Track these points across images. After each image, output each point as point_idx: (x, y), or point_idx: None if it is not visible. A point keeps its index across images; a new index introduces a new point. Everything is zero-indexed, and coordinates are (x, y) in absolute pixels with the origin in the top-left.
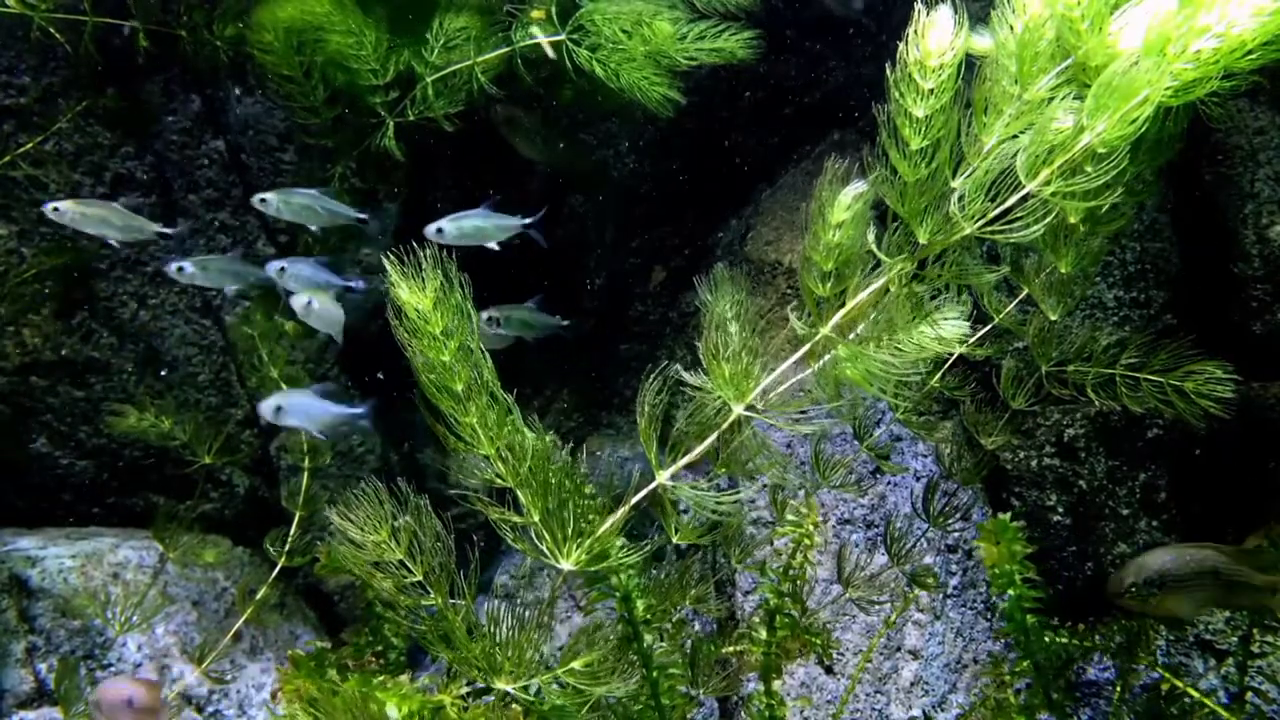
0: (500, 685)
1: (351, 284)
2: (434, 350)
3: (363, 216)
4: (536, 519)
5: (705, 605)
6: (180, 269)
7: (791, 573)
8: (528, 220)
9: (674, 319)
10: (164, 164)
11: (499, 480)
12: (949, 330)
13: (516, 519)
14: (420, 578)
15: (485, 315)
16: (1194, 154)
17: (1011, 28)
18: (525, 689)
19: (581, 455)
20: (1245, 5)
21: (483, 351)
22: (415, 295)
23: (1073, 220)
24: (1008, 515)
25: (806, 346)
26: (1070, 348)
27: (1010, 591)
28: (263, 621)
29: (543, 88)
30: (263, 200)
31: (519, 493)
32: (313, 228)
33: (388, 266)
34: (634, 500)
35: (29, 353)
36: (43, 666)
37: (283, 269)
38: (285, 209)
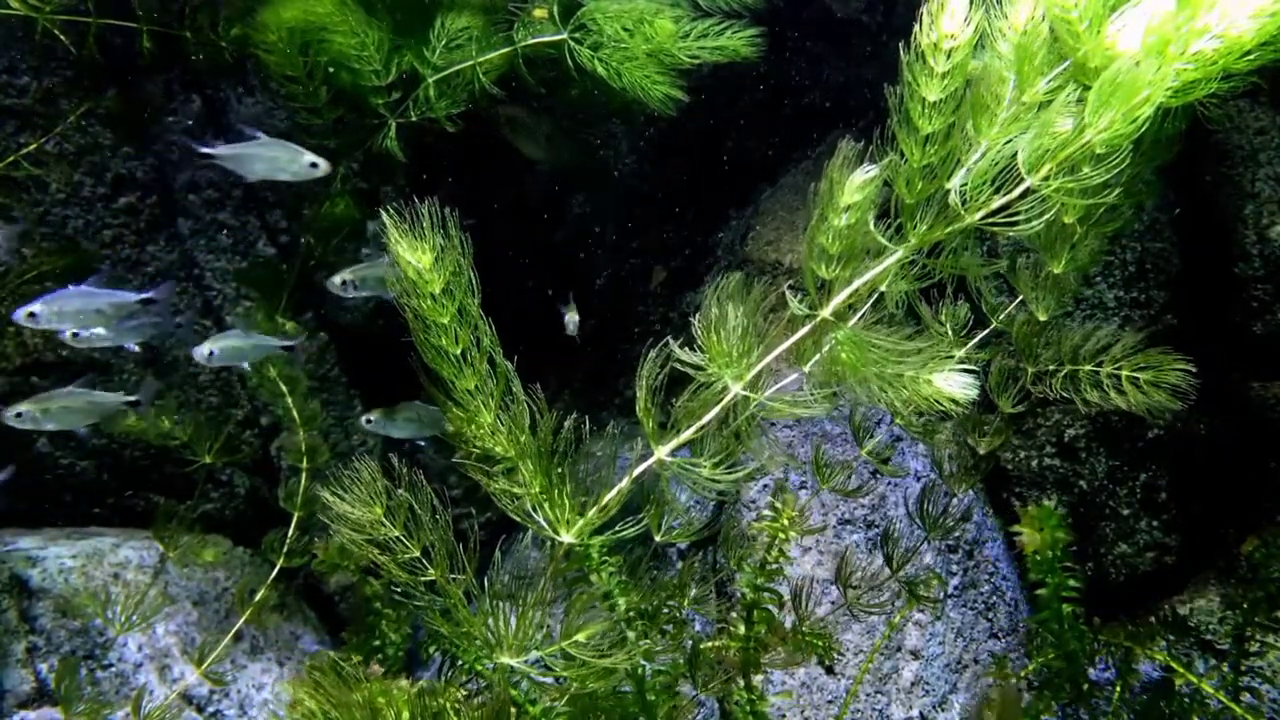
0: (504, 660)
1: (149, 295)
2: (433, 312)
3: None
4: (536, 490)
5: (704, 607)
6: (75, 334)
7: (769, 567)
8: (146, 294)
9: (674, 319)
10: (165, 164)
11: (498, 451)
12: (958, 390)
13: (518, 490)
14: (417, 553)
15: (338, 279)
16: (1194, 154)
17: (1003, 34)
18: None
19: (585, 425)
20: (1244, 6)
21: (484, 317)
22: (415, 253)
23: (1068, 220)
24: (1051, 503)
25: (808, 328)
26: (1052, 348)
27: (1049, 579)
28: (263, 622)
29: (545, 88)
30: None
31: (519, 465)
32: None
33: (387, 223)
34: (636, 472)
35: (30, 353)
36: (43, 666)
37: (33, 314)
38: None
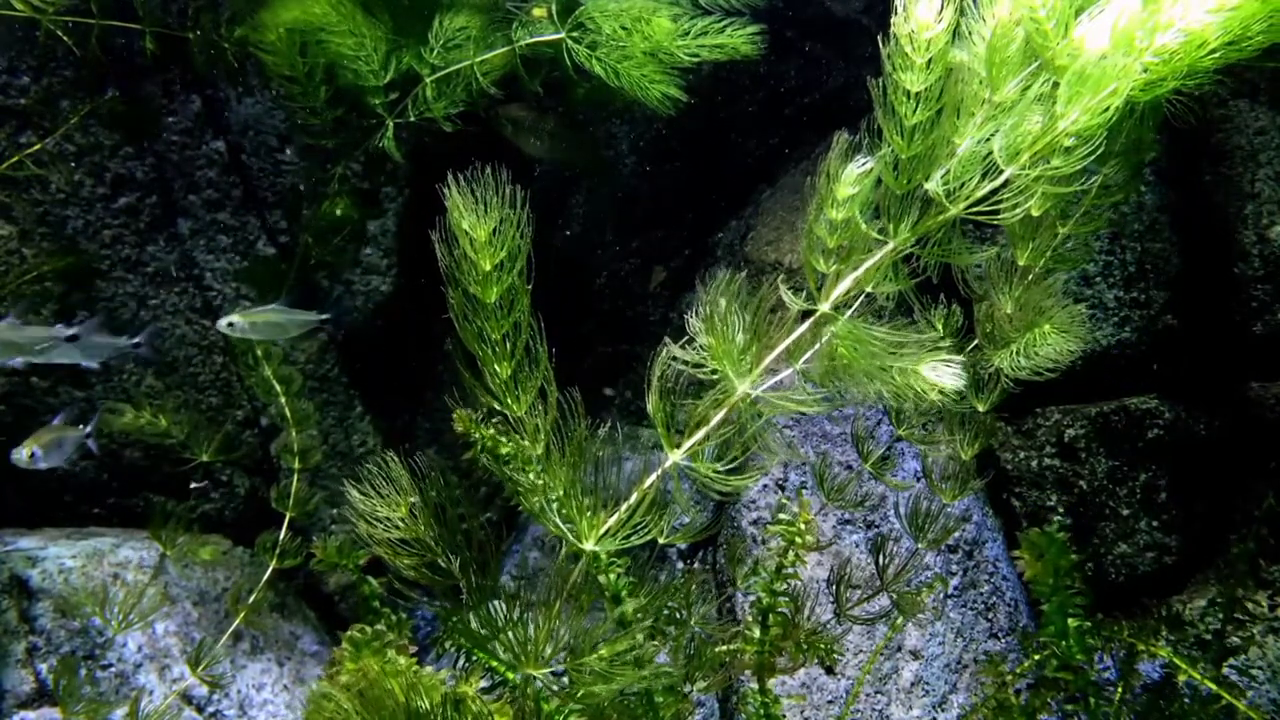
0: (529, 671)
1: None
2: (481, 289)
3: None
4: (561, 492)
5: (708, 623)
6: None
7: (784, 571)
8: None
9: (674, 319)
10: (164, 164)
11: (523, 441)
12: (947, 380)
13: (545, 487)
14: (442, 558)
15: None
16: (1194, 154)
17: (981, 38)
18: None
19: (619, 428)
20: (1203, 0)
21: (532, 310)
22: (471, 221)
23: (1035, 211)
24: (1054, 526)
25: (809, 322)
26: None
27: (1054, 598)
28: (261, 622)
29: (547, 88)
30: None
31: (547, 468)
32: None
33: (449, 187)
34: (653, 478)
35: None
36: (43, 667)
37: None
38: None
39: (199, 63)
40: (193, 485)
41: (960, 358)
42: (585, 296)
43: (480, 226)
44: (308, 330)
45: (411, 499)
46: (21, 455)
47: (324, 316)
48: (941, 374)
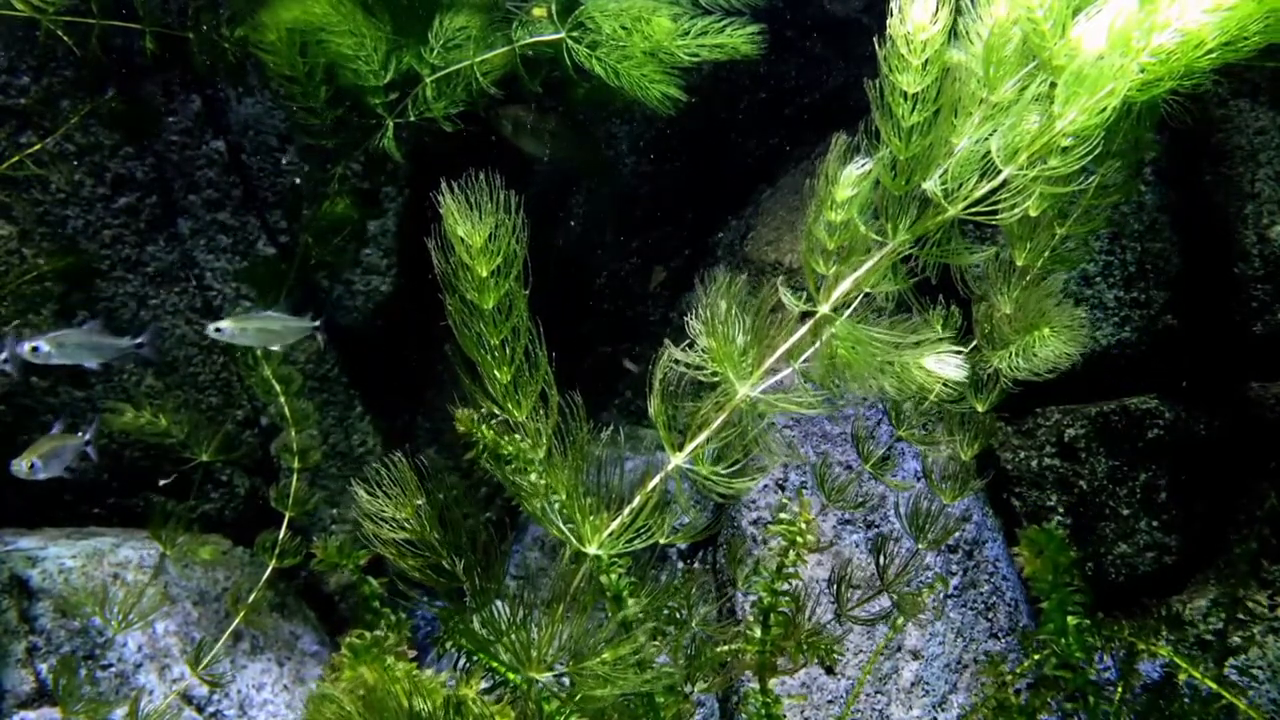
0: (533, 675)
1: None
2: (478, 295)
3: None
4: (563, 495)
5: (709, 625)
6: (35, 349)
7: (785, 571)
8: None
9: (674, 319)
10: (164, 164)
11: (525, 447)
12: (951, 371)
13: (547, 490)
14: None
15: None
16: (1194, 154)
17: (978, 37)
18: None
19: (620, 430)
20: (1200, 0)
21: (531, 314)
22: (467, 227)
23: (1033, 212)
24: (1053, 523)
25: (808, 324)
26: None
27: (1053, 595)
28: (261, 622)
29: (544, 88)
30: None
31: (550, 474)
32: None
33: (444, 195)
34: (653, 483)
35: None
36: (43, 667)
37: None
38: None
39: (199, 63)
40: (162, 482)
41: (962, 349)
42: (585, 297)
43: (475, 233)
44: (301, 336)
45: (417, 500)
46: (21, 467)
47: (316, 324)
48: (944, 365)
